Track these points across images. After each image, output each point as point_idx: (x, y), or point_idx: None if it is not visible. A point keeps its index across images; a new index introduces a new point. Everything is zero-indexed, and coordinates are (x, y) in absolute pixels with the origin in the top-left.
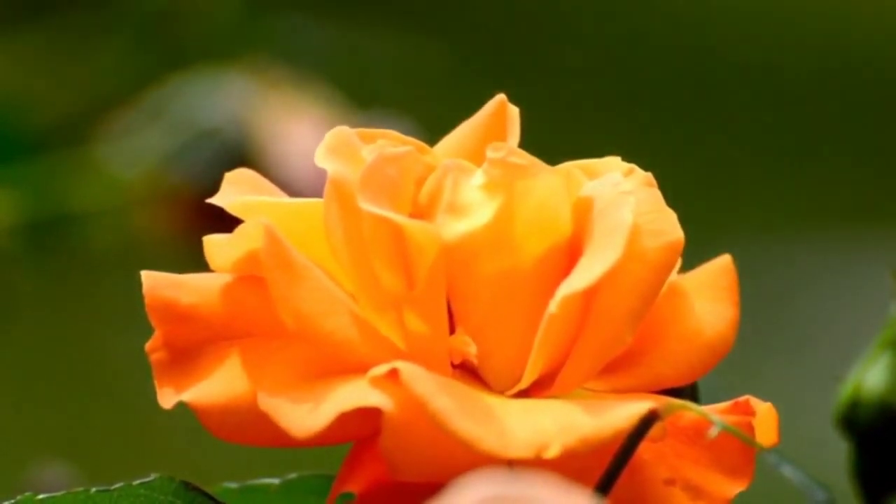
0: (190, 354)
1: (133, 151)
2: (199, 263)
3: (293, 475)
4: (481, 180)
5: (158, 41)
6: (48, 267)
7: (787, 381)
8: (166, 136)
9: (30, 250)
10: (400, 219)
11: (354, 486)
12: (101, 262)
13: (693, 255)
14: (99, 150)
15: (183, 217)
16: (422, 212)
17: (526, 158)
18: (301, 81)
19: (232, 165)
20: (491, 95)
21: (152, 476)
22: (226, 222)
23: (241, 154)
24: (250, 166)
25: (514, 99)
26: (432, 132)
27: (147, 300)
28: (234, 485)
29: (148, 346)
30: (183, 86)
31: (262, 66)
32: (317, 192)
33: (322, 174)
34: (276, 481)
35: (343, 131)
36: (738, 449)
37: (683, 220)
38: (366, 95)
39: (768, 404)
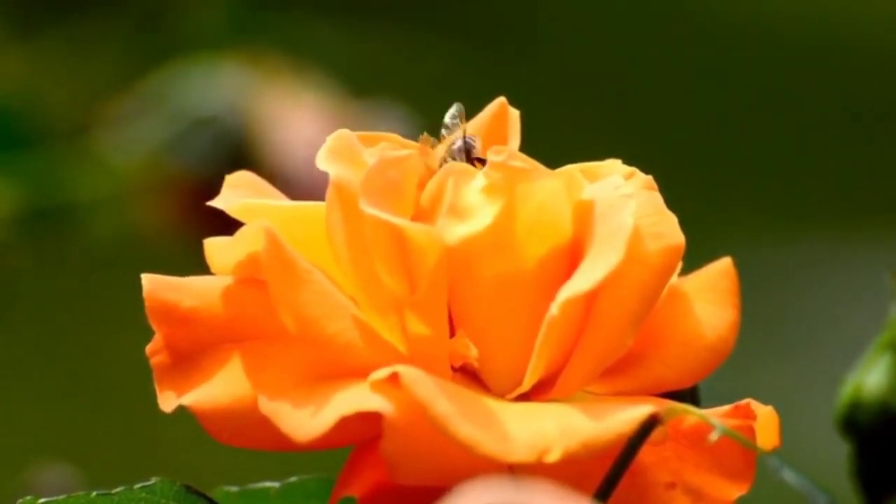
0: (191, 357)
1: (131, 141)
2: (197, 253)
3: (293, 479)
4: (482, 183)
5: (156, 30)
6: (47, 257)
7: (787, 383)
8: (164, 125)
9: (28, 241)
10: (401, 222)
11: (355, 490)
12: (100, 252)
13: (693, 258)
14: (97, 140)
15: (181, 206)
16: (423, 215)
17: (527, 162)
18: (300, 70)
19: (230, 154)
20: (491, 92)
21: (153, 479)
22: (224, 214)
23: (239, 143)
24: (248, 155)
25: (513, 100)
26: (432, 127)
27: (147, 303)
28: (233, 488)
29: (148, 349)
30: (181, 74)
31: (261, 55)
32: (314, 183)
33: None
34: (276, 485)
35: (345, 134)
36: (739, 452)
37: (683, 223)
38: (365, 85)
39: (769, 407)
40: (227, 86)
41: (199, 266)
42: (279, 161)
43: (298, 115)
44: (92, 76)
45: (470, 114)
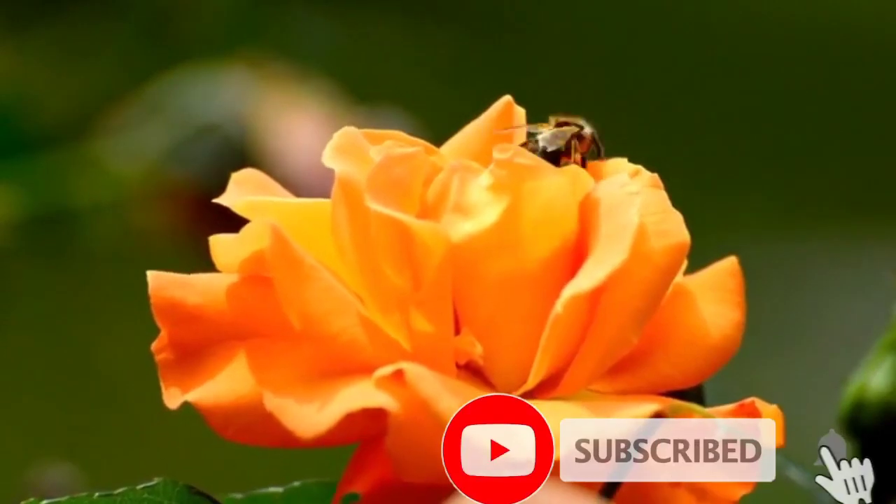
0: (196, 354)
1: (133, 147)
2: (199, 258)
3: (296, 483)
4: (488, 181)
5: (159, 36)
6: (48, 263)
7: (792, 382)
8: (166, 131)
9: (30, 246)
10: (407, 219)
11: (360, 487)
12: (101, 258)
13: (696, 256)
14: (99, 146)
15: (183, 212)
16: (428, 212)
17: (532, 159)
18: (302, 76)
19: (232, 161)
20: (495, 90)
21: (156, 480)
22: (227, 218)
23: (241, 150)
24: (250, 162)
25: (518, 98)
26: (434, 126)
27: (153, 300)
28: (239, 495)
29: (154, 346)
30: (183, 81)
31: (263, 61)
32: (317, 188)
33: (322, 170)
34: (280, 489)
35: (350, 132)
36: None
37: (686, 221)
38: (367, 90)
39: (774, 406)
40: (229, 93)
41: (200, 271)
42: (281, 167)
43: (300, 123)
44: (92, 80)
45: (471, 106)
